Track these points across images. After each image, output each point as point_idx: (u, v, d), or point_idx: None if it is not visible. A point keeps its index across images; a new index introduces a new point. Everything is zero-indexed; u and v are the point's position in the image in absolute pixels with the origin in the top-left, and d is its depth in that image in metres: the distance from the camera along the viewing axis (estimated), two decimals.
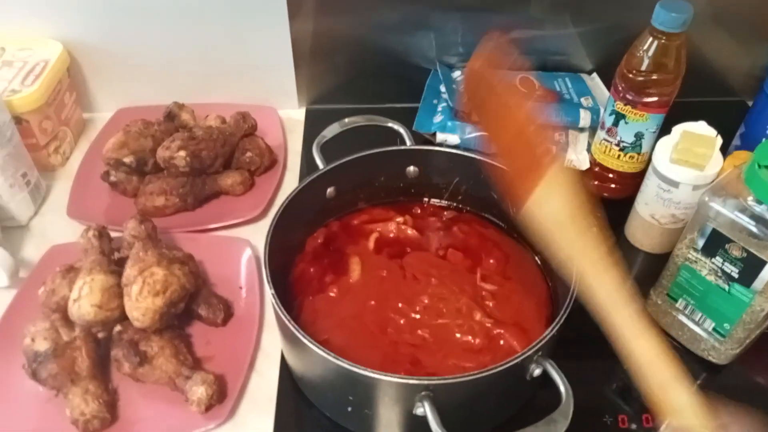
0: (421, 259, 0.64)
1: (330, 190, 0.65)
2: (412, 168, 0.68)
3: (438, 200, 0.70)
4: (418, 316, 0.59)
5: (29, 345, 0.57)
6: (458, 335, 0.57)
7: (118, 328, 0.59)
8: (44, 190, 0.78)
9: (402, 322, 0.58)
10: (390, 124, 0.69)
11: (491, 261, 0.64)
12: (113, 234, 0.67)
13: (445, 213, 0.69)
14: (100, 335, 0.59)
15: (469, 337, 0.57)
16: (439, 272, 0.62)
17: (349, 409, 0.53)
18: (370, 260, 0.64)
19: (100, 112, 0.91)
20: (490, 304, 0.60)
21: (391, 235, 0.67)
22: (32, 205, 0.75)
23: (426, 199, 0.70)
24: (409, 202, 0.70)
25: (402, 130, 0.68)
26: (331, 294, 0.61)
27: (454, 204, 0.70)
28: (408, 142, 0.68)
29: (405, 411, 0.48)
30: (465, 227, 0.67)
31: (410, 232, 0.67)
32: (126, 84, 0.89)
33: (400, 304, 0.59)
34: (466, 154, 0.66)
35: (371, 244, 0.65)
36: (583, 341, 0.62)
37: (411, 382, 0.46)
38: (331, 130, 0.68)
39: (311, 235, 0.66)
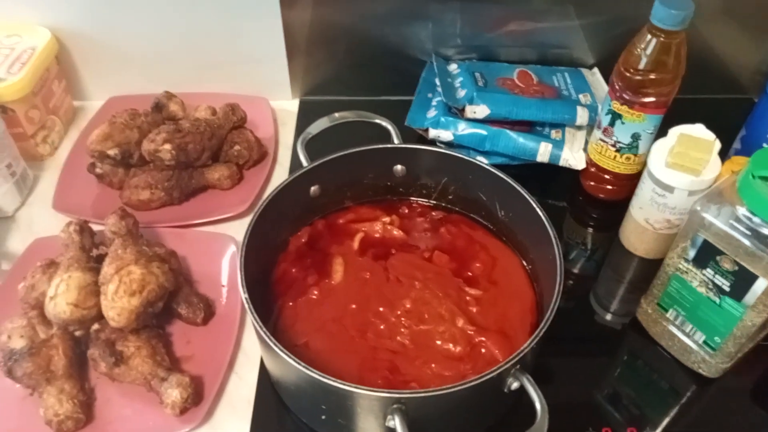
0: (406, 261, 0.62)
1: (314, 189, 0.64)
2: (399, 167, 0.66)
3: (426, 200, 0.68)
4: (399, 321, 0.57)
5: (5, 342, 0.56)
6: (439, 342, 0.56)
7: (95, 326, 0.58)
8: (31, 180, 0.77)
9: (382, 327, 0.57)
10: (378, 121, 0.67)
11: (477, 264, 0.62)
12: (99, 228, 0.66)
13: (433, 213, 0.67)
14: (78, 333, 0.59)
15: (450, 345, 0.55)
16: (423, 275, 0.61)
17: (323, 417, 0.52)
18: (354, 261, 0.62)
19: (92, 100, 0.90)
20: (474, 310, 0.58)
21: (377, 235, 0.65)
22: (18, 196, 0.74)
23: (414, 199, 0.69)
24: (397, 201, 0.68)
25: (390, 128, 0.66)
26: (313, 296, 0.60)
27: (443, 204, 0.68)
28: (396, 140, 0.66)
29: (377, 422, 0.47)
30: (453, 228, 0.66)
31: (396, 232, 0.65)
32: (117, 72, 0.88)
33: (381, 308, 0.58)
34: (454, 153, 0.64)
35: (356, 244, 0.64)
36: (568, 351, 0.61)
37: (382, 395, 0.45)
38: (318, 126, 0.66)
39: (295, 234, 0.65)
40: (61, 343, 0.57)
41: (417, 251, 0.64)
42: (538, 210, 0.57)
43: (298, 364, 0.46)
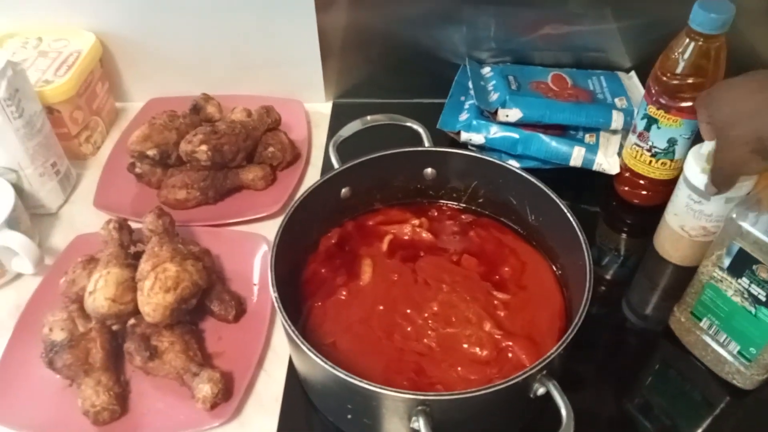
0: (434, 264, 0.62)
1: (345, 191, 0.65)
2: (429, 170, 0.66)
3: (456, 203, 0.69)
4: (426, 324, 0.58)
5: (47, 334, 0.58)
6: (465, 345, 0.56)
7: (132, 321, 0.60)
8: (74, 178, 0.80)
9: (409, 329, 0.57)
10: (409, 124, 0.67)
11: (506, 269, 0.62)
12: (138, 226, 0.68)
13: (463, 216, 0.68)
14: (115, 327, 0.61)
15: (477, 349, 0.55)
16: (451, 278, 0.61)
17: (349, 416, 0.52)
18: (382, 263, 0.63)
19: (133, 101, 0.93)
20: (502, 314, 0.58)
21: (406, 237, 0.66)
22: (62, 194, 0.77)
23: (443, 202, 0.69)
24: (427, 204, 0.69)
25: (421, 131, 0.67)
26: (341, 296, 0.60)
27: (472, 207, 0.68)
28: (427, 143, 0.66)
29: (402, 423, 0.48)
30: (482, 232, 0.66)
31: (425, 235, 0.65)
32: (158, 75, 0.90)
33: (408, 310, 0.59)
34: (484, 157, 0.64)
35: (385, 246, 0.64)
36: (598, 358, 0.60)
37: (406, 396, 0.45)
38: (350, 129, 0.67)
39: (325, 235, 0.65)
40: (99, 336, 0.59)
41: (445, 254, 0.64)
42: (568, 215, 0.57)
43: (326, 363, 0.47)
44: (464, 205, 0.68)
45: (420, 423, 0.45)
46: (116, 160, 0.81)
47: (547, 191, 0.59)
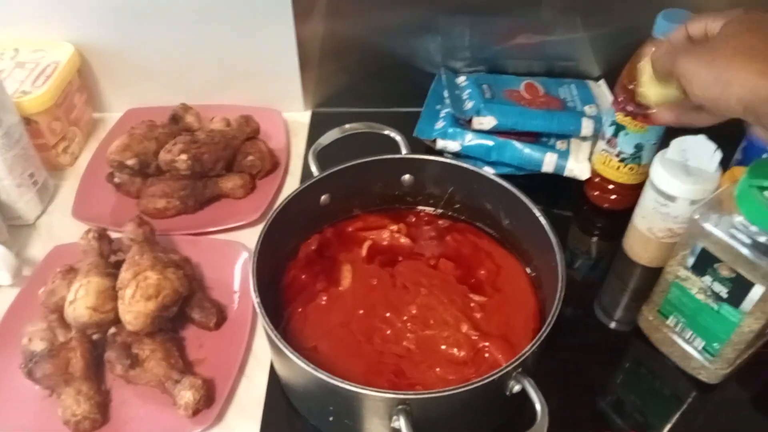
0: (413, 268, 0.64)
1: (324, 198, 0.66)
2: (407, 176, 0.68)
3: (433, 209, 0.70)
4: (405, 326, 0.59)
5: (26, 345, 0.59)
6: (443, 347, 0.57)
7: (112, 330, 0.60)
8: (52, 189, 0.80)
9: (389, 332, 0.59)
10: (387, 132, 0.69)
11: (482, 272, 0.64)
12: (117, 235, 0.68)
13: (440, 222, 0.69)
14: (95, 337, 0.61)
15: (455, 350, 0.57)
16: (429, 282, 0.62)
17: (331, 418, 0.53)
18: (361, 268, 0.64)
19: (111, 112, 0.93)
20: (478, 316, 0.60)
21: (385, 243, 0.67)
22: (39, 205, 0.77)
23: (421, 208, 0.70)
24: (405, 210, 0.70)
25: (399, 138, 0.68)
26: (322, 301, 0.61)
27: (449, 213, 0.70)
28: (404, 151, 0.68)
29: (383, 423, 0.49)
30: (458, 236, 0.67)
31: (403, 240, 0.67)
32: (136, 85, 0.91)
33: (388, 314, 0.60)
34: (460, 164, 0.66)
35: (364, 251, 0.66)
36: (572, 358, 0.62)
37: (386, 395, 0.47)
38: (329, 137, 0.68)
39: (305, 242, 0.66)
40: (80, 345, 0.59)
41: (423, 258, 0.65)
42: (540, 218, 0.59)
43: (307, 365, 0.48)
44: (441, 211, 0.70)
45: (401, 422, 0.46)
46: (94, 170, 0.81)
47: (520, 196, 0.61)
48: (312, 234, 0.67)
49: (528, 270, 0.64)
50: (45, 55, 0.83)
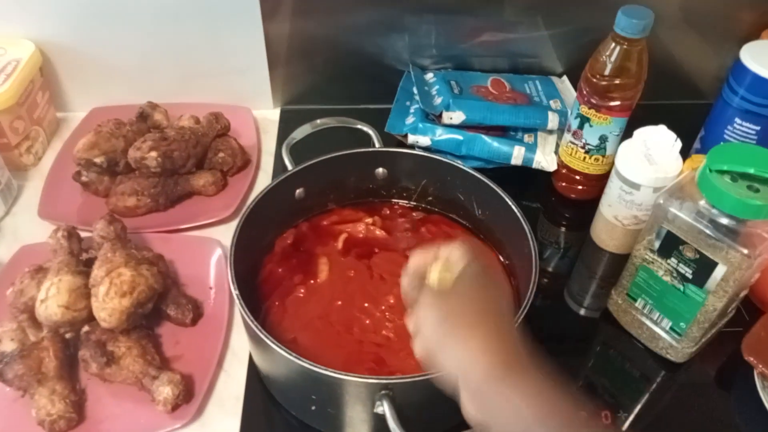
0: (389, 259, 0.65)
1: (299, 191, 0.66)
2: (380, 170, 0.69)
3: (406, 201, 0.71)
4: (383, 316, 0.60)
5: None
6: None
7: (85, 328, 0.59)
8: (15, 190, 0.78)
9: (368, 322, 0.59)
10: (360, 126, 0.70)
11: None
12: (85, 234, 0.67)
13: (414, 214, 0.70)
14: (68, 335, 0.60)
15: None
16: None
17: (313, 407, 0.54)
18: (338, 261, 0.65)
19: (75, 111, 0.91)
20: None
21: (360, 235, 0.68)
22: (3, 206, 0.75)
23: (395, 201, 0.71)
24: (379, 203, 0.71)
25: (372, 132, 0.69)
26: (299, 294, 0.62)
27: (423, 205, 0.71)
28: (377, 144, 0.69)
29: (365, 410, 0.49)
30: (432, 228, 0.69)
31: (378, 232, 0.68)
32: (100, 84, 0.89)
33: (366, 304, 0.61)
34: (433, 156, 0.67)
35: (340, 244, 0.66)
36: (545, 346, 0.64)
37: (369, 381, 0.47)
38: (302, 131, 0.69)
39: (280, 236, 0.67)
40: (52, 345, 0.58)
41: (399, 250, 0.66)
42: (513, 207, 0.60)
43: (290, 355, 0.48)
44: (414, 203, 0.71)
45: (384, 407, 0.47)
46: (60, 169, 0.79)
47: (492, 186, 0.63)
48: (287, 228, 0.67)
49: (501, 258, 0.66)
50: (5, 53, 0.80)
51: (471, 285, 0.43)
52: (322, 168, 0.66)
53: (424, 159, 0.68)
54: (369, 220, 0.68)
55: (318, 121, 0.70)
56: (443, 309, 0.42)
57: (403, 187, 0.70)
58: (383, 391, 0.47)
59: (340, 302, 0.61)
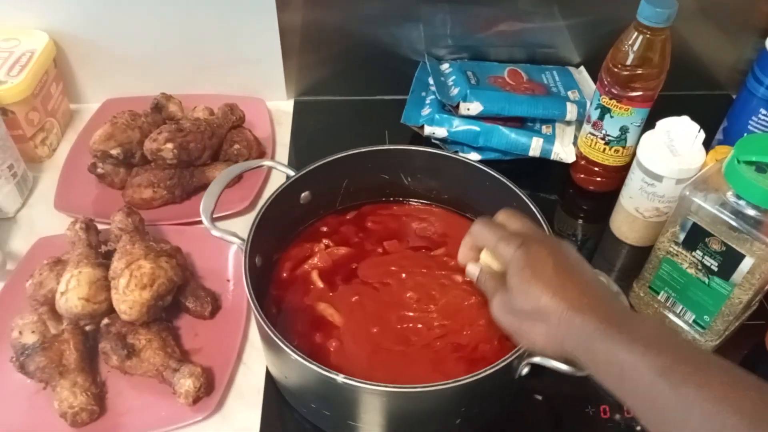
0: (372, 265, 0.62)
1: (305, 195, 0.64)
2: (303, 195, 0.64)
3: (333, 210, 0.68)
4: (422, 309, 0.58)
5: (17, 338, 0.57)
6: (466, 303, 0.58)
7: (105, 320, 0.59)
8: (31, 182, 0.78)
9: (419, 326, 0.57)
10: (282, 169, 0.64)
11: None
12: (100, 226, 0.67)
13: (347, 216, 0.68)
14: (88, 328, 0.60)
15: (473, 298, 0.58)
16: (398, 264, 0.61)
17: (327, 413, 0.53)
18: (335, 298, 0.60)
19: (88, 103, 0.91)
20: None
21: (329, 263, 0.63)
22: (19, 198, 0.75)
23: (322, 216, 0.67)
24: (309, 229, 0.66)
25: (291, 172, 0.63)
26: (332, 347, 0.56)
27: (347, 204, 0.68)
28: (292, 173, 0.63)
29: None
30: (375, 219, 0.67)
31: (341, 250, 0.64)
32: (114, 75, 0.89)
33: (402, 312, 0.58)
34: (439, 152, 0.66)
35: (319, 283, 0.61)
36: None
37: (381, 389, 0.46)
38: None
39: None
40: (72, 337, 0.58)
41: (372, 252, 0.64)
42: (526, 200, 0.59)
43: (310, 363, 0.46)
44: (429, 202, 0.69)
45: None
46: (75, 161, 0.79)
47: (501, 178, 0.61)
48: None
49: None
50: (19, 44, 0.80)
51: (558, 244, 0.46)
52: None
53: (434, 156, 0.65)
54: (321, 245, 0.64)
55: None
56: (557, 255, 0.45)
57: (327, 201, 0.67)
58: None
59: (375, 329, 0.57)
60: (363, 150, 0.64)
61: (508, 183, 0.61)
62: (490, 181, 0.63)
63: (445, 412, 0.51)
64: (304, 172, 0.62)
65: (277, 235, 0.63)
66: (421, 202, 0.70)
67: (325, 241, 0.65)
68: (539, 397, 0.59)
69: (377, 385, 0.46)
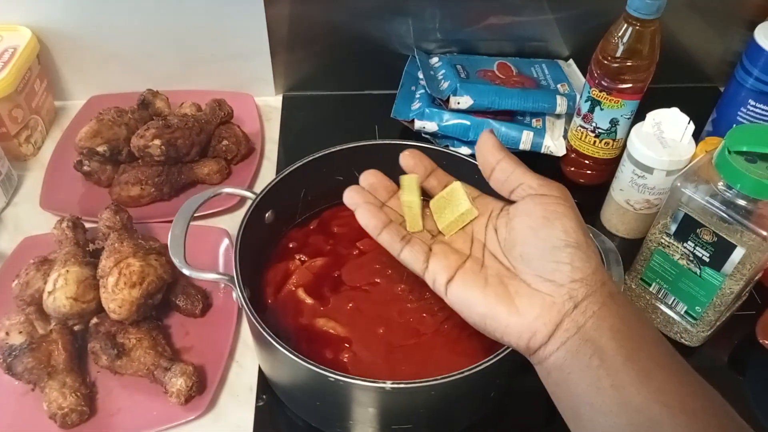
0: (355, 267, 0.59)
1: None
2: (267, 215, 0.60)
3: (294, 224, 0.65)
4: (423, 298, 0.56)
5: (4, 339, 0.56)
6: None
7: (94, 320, 0.58)
8: (16, 180, 0.77)
9: (423, 315, 0.55)
10: (244, 192, 0.62)
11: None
12: (88, 225, 0.66)
13: (311, 226, 0.65)
14: (77, 328, 0.59)
15: None
16: (379, 261, 0.58)
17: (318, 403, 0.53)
18: (330, 311, 0.57)
19: (73, 99, 0.89)
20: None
21: (310, 277, 0.59)
22: (3, 197, 0.74)
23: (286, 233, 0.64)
24: (276, 249, 0.63)
25: (250, 195, 0.60)
26: (346, 360, 0.54)
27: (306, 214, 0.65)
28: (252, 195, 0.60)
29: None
30: (339, 222, 0.64)
31: (318, 261, 0.61)
32: (99, 71, 0.87)
33: (400, 307, 0.56)
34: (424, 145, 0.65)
35: (308, 299, 0.58)
36: None
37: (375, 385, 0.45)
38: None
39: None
40: (61, 337, 0.57)
41: (349, 255, 0.61)
42: None
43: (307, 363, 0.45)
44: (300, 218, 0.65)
45: None
46: (60, 159, 0.78)
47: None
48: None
49: None
50: (1, 40, 0.79)
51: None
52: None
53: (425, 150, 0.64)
54: (297, 262, 0.60)
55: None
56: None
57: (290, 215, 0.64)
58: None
59: (381, 330, 0.55)
60: (318, 155, 0.61)
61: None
62: (479, 174, 0.61)
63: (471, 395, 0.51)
64: (266, 190, 0.58)
65: (252, 263, 0.57)
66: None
67: (297, 256, 0.61)
68: (536, 392, 0.59)
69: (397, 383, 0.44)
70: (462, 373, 0.45)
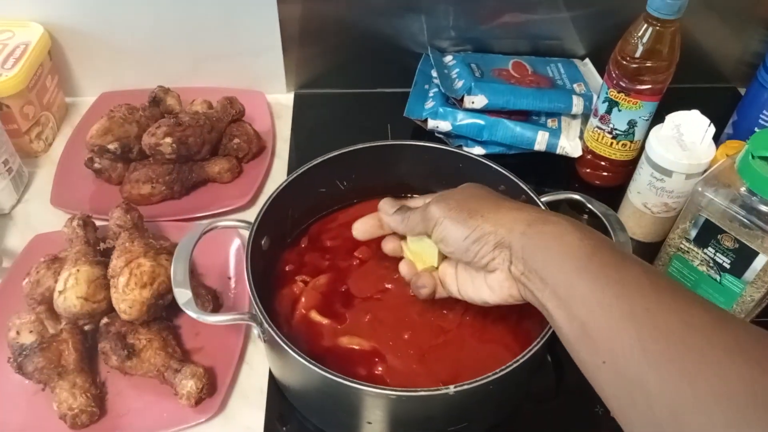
0: (360, 278, 0.58)
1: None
2: (263, 241, 0.58)
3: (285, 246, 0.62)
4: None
5: (14, 338, 0.56)
6: None
7: (105, 320, 0.58)
8: (27, 177, 0.76)
9: (444, 312, 0.54)
10: (235, 224, 0.59)
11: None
12: (98, 223, 0.65)
13: (302, 244, 0.63)
14: (87, 327, 0.58)
15: None
16: (383, 267, 0.57)
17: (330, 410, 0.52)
18: (350, 327, 0.55)
19: (84, 96, 0.89)
20: None
21: (318, 297, 0.57)
22: (14, 193, 0.73)
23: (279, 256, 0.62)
24: (275, 276, 0.60)
25: (243, 225, 0.58)
26: (380, 372, 0.53)
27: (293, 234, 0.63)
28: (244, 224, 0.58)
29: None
30: (329, 235, 0.63)
31: (321, 279, 0.59)
32: (110, 67, 0.87)
33: (422, 306, 0.55)
34: (440, 147, 0.64)
35: (324, 320, 0.56)
36: None
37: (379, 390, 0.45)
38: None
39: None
40: (71, 337, 0.56)
41: (351, 267, 0.59)
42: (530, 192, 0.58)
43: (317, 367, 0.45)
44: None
45: None
46: (71, 156, 0.78)
47: (501, 170, 0.60)
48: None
49: None
50: (13, 36, 0.78)
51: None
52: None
53: (436, 150, 0.63)
54: (301, 284, 0.58)
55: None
56: (470, 188, 0.48)
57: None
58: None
59: (407, 335, 0.54)
60: (302, 170, 0.59)
61: (513, 178, 0.60)
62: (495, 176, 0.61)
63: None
64: (260, 217, 0.56)
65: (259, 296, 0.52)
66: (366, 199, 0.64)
67: (298, 278, 0.59)
68: (547, 396, 0.58)
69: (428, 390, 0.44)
70: (517, 361, 0.45)
